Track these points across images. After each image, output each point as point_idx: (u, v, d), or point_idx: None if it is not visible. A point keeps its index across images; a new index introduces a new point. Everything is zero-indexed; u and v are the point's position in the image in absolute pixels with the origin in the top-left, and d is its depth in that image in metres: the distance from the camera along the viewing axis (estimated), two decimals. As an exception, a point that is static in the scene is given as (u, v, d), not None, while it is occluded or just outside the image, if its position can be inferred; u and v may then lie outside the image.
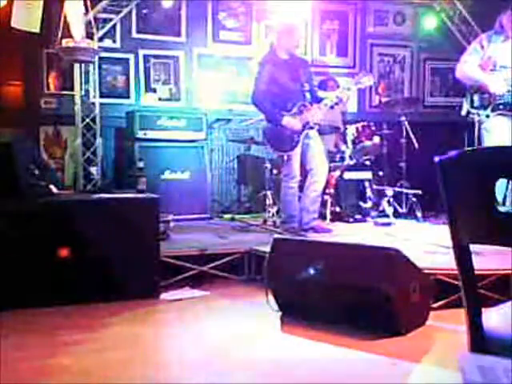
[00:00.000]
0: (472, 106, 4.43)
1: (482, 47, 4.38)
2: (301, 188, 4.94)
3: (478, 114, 4.37)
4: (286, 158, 4.82)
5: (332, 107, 4.89)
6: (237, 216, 6.01)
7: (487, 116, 4.33)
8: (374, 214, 5.73)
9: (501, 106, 4.29)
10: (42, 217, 3.37)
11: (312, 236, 4.62)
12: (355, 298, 2.85)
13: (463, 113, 4.51)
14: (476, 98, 4.41)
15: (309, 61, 6.12)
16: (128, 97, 6.59)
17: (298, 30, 5.22)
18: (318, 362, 2.55)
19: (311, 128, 4.84)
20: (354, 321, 2.89)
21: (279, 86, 4.81)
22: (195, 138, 6.12)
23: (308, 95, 4.87)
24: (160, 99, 6.66)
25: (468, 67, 4.42)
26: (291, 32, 4.93)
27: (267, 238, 3.85)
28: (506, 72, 4.25)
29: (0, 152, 3.41)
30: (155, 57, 6.66)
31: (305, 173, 4.92)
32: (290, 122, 4.74)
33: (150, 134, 5.90)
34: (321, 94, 5.08)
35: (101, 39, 6.09)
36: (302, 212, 4.87)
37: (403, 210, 5.87)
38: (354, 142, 5.97)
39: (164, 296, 3.58)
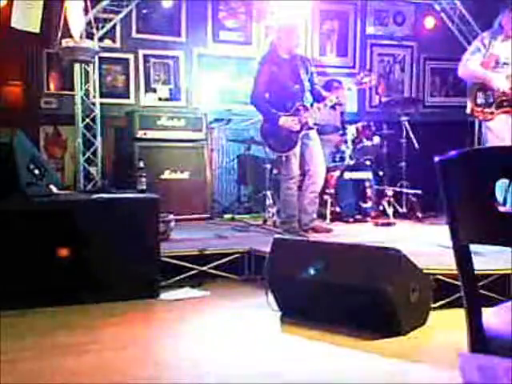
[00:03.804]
0: (476, 104, 4.42)
1: (484, 45, 4.37)
2: (300, 188, 4.93)
3: (483, 112, 4.36)
4: (284, 158, 4.82)
5: (334, 107, 4.86)
6: (237, 216, 6.01)
7: (492, 113, 4.32)
8: (374, 214, 5.74)
9: (505, 103, 4.28)
10: (42, 217, 3.37)
11: (312, 236, 4.62)
12: (355, 298, 2.85)
13: (468, 111, 4.48)
14: (480, 95, 4.40)
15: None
16: (128, 97, 6.59)
17: (299, 29, 5.20)
18: (318, 362, 2.55)
19: (310, 128, 4.83)
20: (354, 321, 2.89)
21: (279, 86, 4.80)
22: (195, 138, 6.11)
23: (308, 95, 4.87)
24: (160, 99, 6.66)
25: (470, 65, 4.41)
26: (292, 32, 4.92)
27: (267, 238, 3.85)
28: (509, 69, 4.25)
29: (0, 152, 3.41)
30: (155, 57, 6.66)
31: (303, 173, 4.92)
32: (288, 122, 4.72)
33: (150, 134, 5.90)
34: (324, 93, 5.06)
35: (101, 39, 6.08)
36: (300, 213, 4.87)
37: (403, 210, 5.88)
38: (353, 142, 5.97)
39: (164, 296, 3.58)
